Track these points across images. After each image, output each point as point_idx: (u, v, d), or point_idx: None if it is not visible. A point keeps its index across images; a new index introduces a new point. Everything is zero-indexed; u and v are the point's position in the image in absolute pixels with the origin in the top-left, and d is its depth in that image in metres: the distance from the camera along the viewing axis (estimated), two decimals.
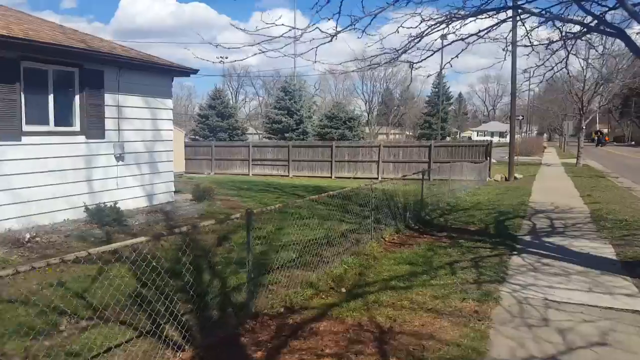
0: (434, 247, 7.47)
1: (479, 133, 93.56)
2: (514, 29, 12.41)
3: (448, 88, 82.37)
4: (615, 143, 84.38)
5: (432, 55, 7.99)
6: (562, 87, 28.02)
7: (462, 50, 7.82)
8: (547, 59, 8.14)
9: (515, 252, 7.05)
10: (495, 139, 69.43)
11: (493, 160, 30.44)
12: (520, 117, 32.43)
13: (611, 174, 22.74)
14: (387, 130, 76.30)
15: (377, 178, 23.02)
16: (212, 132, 33.49)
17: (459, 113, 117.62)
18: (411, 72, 8.65)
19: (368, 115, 75.50)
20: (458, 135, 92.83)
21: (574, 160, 28.93)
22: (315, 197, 7.29)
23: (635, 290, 5.23)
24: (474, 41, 7.26)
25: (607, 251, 7.00)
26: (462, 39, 7.43)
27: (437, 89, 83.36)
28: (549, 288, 5.32)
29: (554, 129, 64.20)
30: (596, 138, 79.74)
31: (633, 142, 77.20)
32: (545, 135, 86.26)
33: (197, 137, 34.43)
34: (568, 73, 8.53)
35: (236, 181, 19.31)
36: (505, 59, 8.00)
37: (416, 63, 8.25)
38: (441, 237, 8.40)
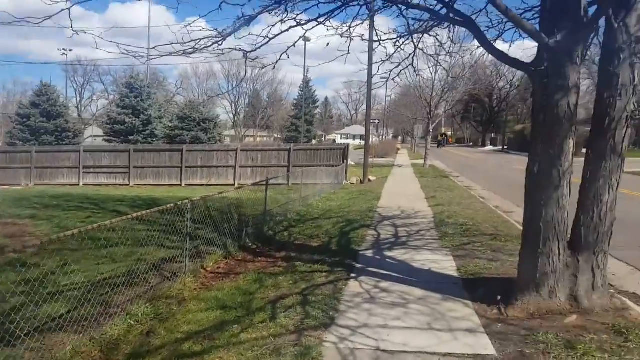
0: (264, 277, 6.11)
1: (343, 136, 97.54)
2: (371, 27, 11.87)
3: (314, 92, 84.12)
4: (457, 144, 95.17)
5: (267, 42, 6.75)
6: (414, 92, 29.63)
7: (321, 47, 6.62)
8: (393, 54, 7.44)
9: (353, 275, 6.04)
10: (357, 142, 72.82)
11: (352, 163, 30.96)
12: (377, 121, 33.68)
13: (453, 174, 24.44)
14: (254, 133, 74.89)
15: (234, 184, 21.39)
16: (34, 135, 28.17)
17: (325, 116, 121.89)
18: (245, 61, 7.35)
19: (234, 117, 73.14)
20: (324, 138, 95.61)
21: (422, 162, 30.79)
22: (135, 215, 5.42)
23: (477, 322, 4.45)
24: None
25: (449, 265, 6.39)
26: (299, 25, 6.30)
27: (303, 92, 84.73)
28: (383, 329, 4.29)
29: (407, 132, 69.49)
30: (442, 140, 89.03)
31: (471, 143, 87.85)
32: (399, 137, 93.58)
33: (15, 141, 28.64)
34: (415, 70, 7.92)
35: (54, 195, 15.90)
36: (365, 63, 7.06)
37: (249, 52, 7.00)
38: (278, 259, 7.12)
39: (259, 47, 6.99)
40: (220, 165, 22.51)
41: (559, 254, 4.47)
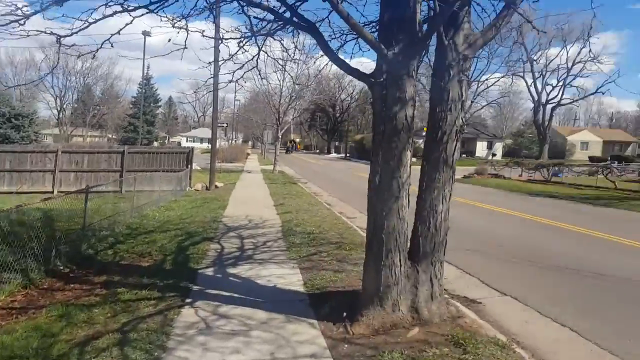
0: (74, 310, 4.92)
1: (189, 139, 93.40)
2: (217, 24, 10.96)
3: (156, 90, 78.65)
4: (305, 151, 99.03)
5: (86, 27, 5.53)
6: (263, 98, 29.47)
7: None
8: (235, 54, 6.81)
9: (188, 301, 5.25)
10: (205, 145, 70.24)
11: (198, 168, 29.39)
12: (225, 125, 32.69)
13: (302, 180, 24.89)
14: (84, 132, 66.62)
15: (53, 192, 18.25)
16: None
17: (169, 117, 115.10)
18: (59, 47, 5.95)
19: (59, 114, 63.94)
20: (167, 141, 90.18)
21: (272, 167, 30.85)
22: None
23: (323, 344, 4.11)
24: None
25: (295, 280, 6.04)
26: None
27: (143, 90, 78.55)
28: None
29: (257, 137, 69.55)
30: (290, 146, 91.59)
31: (318, 150, 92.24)
32: (250, 142, 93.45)
33: None
34: (260, 74, 7.44)
35: None
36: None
37: (63, 37, 5.66)
38: (97, 285, 5.90)
39: (76, 32, 5.76)
40: (35, 170, 19.01)
41: (400, 265, 4.42)
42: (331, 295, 5.34)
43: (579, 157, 57.12)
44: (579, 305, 5.68)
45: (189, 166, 19.95)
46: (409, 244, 4.60)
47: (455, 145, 4.51)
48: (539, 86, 52.49)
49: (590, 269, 7.24)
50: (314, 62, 26.41)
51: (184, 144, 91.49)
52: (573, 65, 50.21)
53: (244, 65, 6.90)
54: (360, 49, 8.17)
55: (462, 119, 4.51)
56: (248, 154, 55.46)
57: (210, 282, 5.99)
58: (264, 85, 26.79)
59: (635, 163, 38.90)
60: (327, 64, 27.61)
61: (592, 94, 58.48)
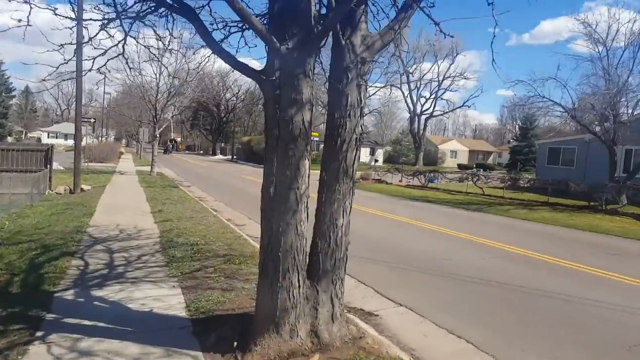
0: None
1: (51, 135, 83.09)
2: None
3: (8, 78, 68.62)
4: (187, 151, 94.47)
5: None
6: (137, 92, 27.02)
7: None
8: (95, 36, 5.72)
9: (40, 334, 4.21)
10: (70, 142, 62.86)
11: (61, 168, 25.92)
12: (93, 120, 29.34)
13: (184, 183, 23.31)
14: None
15: None
16: None
17: (26, 109, 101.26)
18: None
19: None
20: (24, 136, 79.20)
21: (149, 168, 28.51)
22: None
23: None
24: None
25: (176, 302, 5.25)
26: None
27: None
28: None
29: (131, 135, 64.30)
30: (170, 146, 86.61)
31: (202, 151, 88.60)
32: (123, 140, 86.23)
33: None
34: (127, 62, 6.36)
35: None
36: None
37: None
38: None
39: None
40: None
41: (299, 286, 3.97)
42: (219, 320, 4.69)
43: (449, 164, 63.41)
44: (469, 313, 5.83)
45: (49, 166, 17.36)
46: (306, 261, 4.18)
47: (356, 154, 4.23)
48: (414, 97, 57.12)
49: (474, 274, 7.62)
50: (193, 55, 24.86)
51: (45, 140, 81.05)
52: (443, 79, 55.58)
53: (106, 51, 5.78)
54: (246, 43, 7.34)
55: (361, 126, 4.26)
56: (121, 153, 50.94)
57: (69, 308, 4.93)
58: (137, 77, 24.62)
59: (497, 170, 44.17)
60: (208, 58, 26.47)
61: (459, 107, 65.24)
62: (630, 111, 19.89)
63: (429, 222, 13.32)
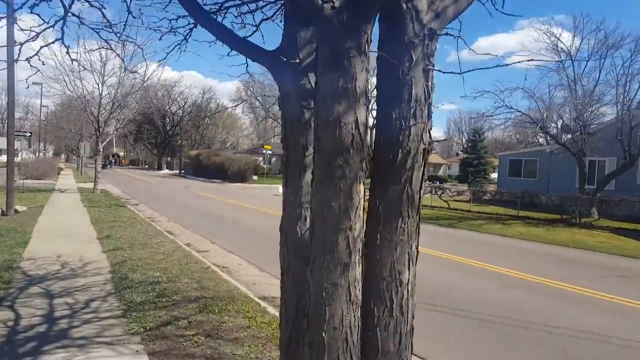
0: None
1: None
2: None
3: None
4: (130, 166, 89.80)
5: None
6: (77, 104, 24.78)
7: None
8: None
9: None
10: (4, 158, 57.69)
11: None
12: (29, 134, 26.66)
13: (131, 201, 21.39)
14: None
15: None
16: None
17: None
18: None
19: None
20: None
21: (92, 185, 26.18)
22: None
23: None
24: None
25: None
26: None
27: None
28: None
29: (71, 149, 60.02)
30: (112, 160, 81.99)
31: (147, 166, 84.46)
32: (63, 155, 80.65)
33: None
34: (67, 50, 5.04)
35: None
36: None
37: None
38: None
39: None
40: None
41: None
42: None
43: None
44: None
45: None
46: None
47: (423, 173, 2.78)
48: None
49: (497, 311, 6.84)
50: (138, 65, 23.14)
51: None
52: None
53: (38, 35, 4.41)
54: (258, 8, 5.32)
55: (429, 131, 2.77)
56: (61, 169, 47.27)
57: None
58: (78, 88, 22.53)
59: (449, 182, 44.70)
60: (155, 72, 24.89)
61: None
62: (594, 122, 20.36)
63: None
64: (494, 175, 65.27)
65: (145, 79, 24.35)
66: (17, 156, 37.48)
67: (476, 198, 23.93)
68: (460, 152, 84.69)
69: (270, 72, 3.08)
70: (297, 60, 2.84)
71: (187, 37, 4.61)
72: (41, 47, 4.04)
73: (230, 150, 63.79)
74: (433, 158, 79.79)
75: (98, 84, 22.86)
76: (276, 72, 2.99)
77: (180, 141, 67.77)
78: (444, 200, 22.77)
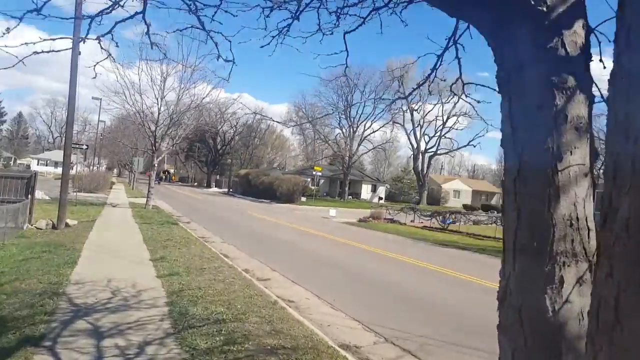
0: None
1: (41, 162, 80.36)
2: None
3: (0, 102, 66.75)
4: (180, 183, 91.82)
5: None
6: (135, 118, 24.87)
7: None
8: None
9: None
10: (60, 170, 60.20)
11: (46, 198, 23.36)
12: (85, 147, 27.04)
13: (183, 219, 20.81)
14: None
15: None
16: None
17: (17, 136, 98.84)
18: None
19: None
20: (13, 162, 76.42)
21: (143, 200, 26.05)
22: None
23: None
24: None
25: None
26: None
27: None
28: None
29: (124, 164, 61.82)
30: (164, 176, 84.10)
31: (196, 183, 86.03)
32: (115, 170, 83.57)
33: None
34: (147, 29, 4.12)
35: None
36: None
37: None
38: None
39: None
40: None
41: None
42: None
43: (452, 203, 61.28)
44: None
45: (30, 196, 14.89)
46: None
47: None
48: (418, 135, 55.65)
49: None
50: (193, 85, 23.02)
51: (35, 167, 78.29)
52: (448, 118, 54.27)
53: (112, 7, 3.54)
54: None
55: None
56: (113, 183, 48.37)
57: None
58: (137, 102, 22.53)
59: None
60: (205, 96, 24.65)
61: (465, 145, 64.03)
62: None
63: (474, 275, 10.94)
64: None
65: (204, 95, 24.18)
66: (72, 169, 38.61)
67: None
68: None
69: (483, 33, 1.85)
70: (544, 8, 1.61)
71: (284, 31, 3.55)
72: (116, 23, 3.09)
73: (279, 171, 63.62)
74: (484, 186, 76.07)
75: (157, 99, 22.78)
76: (496, 32, 1.77)
77: (231, 160, 68.44)
78: None
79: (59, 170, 63.58)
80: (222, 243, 14.06)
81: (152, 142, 23.75)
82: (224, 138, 79.38)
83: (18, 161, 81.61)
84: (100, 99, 34.31)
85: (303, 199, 44.68)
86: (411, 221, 27.53)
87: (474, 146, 64.46)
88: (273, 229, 19.54)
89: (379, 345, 5.49)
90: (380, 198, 59.24)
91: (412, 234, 21.22)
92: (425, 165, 55.54)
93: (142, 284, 7.27)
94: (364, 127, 57.12)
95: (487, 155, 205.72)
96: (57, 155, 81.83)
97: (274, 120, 59.64)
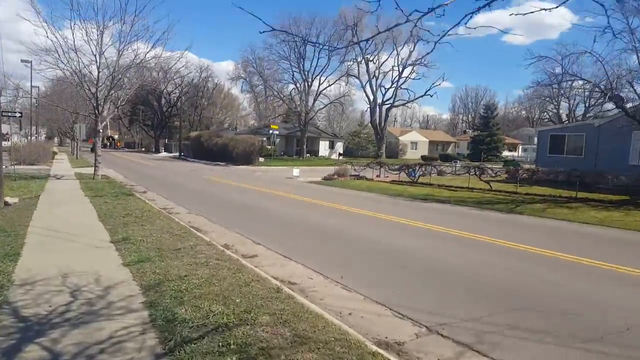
0: None
1: None
2: None
3: None
4: (127, 149, 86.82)
5: None
6: (73, 79, 21.96)
7: None
8: None
9: None
10: None
11: None
12: (19, 114, 23.88)
13: (137, 188, 18.98)
14: None
15: None
16: None
17: None
18: None
19: None
20: None
21: (90, 170, 23.76)
22: None
23: None
24: None
25: None
26: None
27: None
28: None
29: (65, 132, 57.04)
30: (107, 144, 79.07)
31: (144, 149, 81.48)
32: (56, 139, 77.54)
33: None
34: None
35: None
36: None
37: None
38: None
39: None
40: None
41: None
42: None
43: (410, 156, 61.57)
44: None
45: None
46: None
47: None
48: (374, 87, 54.46)
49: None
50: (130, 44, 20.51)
51: None
52: (404, 68, 53.32)
53: None
54: None
55: None
56: (55, 153, 44.59)
57: None
58: (73, 60, 19.71)
59: (461, 161, 42.30)
60: (149, 50, 22.16)
61: (421, 96, 63.80)
62: None
63: (478, 233, 10.33)
64: (506, 153, 63.09)
65: (147, 49, 21.62)
66: (8, 140, 34.80)
67: (513, 178, 21.64)
68: (468, 130, 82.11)
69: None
70: None
71: None
72: None
73: (232, 132, 61.02)
74: (440, 136, 77.10)
75: (95, 56, 20.11)
76: None
77: (180, 122, 64.76)
78: (485, 181, 20.43)
79: None
80: (189, 214, 12.63)
81: (94, 105, 21.22)
82: (169, 99, 74.82)
83: None
84: (31, 62, 30.52)
85: (261, 159, 43.04)
86: (377, 176, 26.91)
87: (431, 96, 64.36)
88: (239, 194, 18.19)
89: (424, 338, 4.49)
90: (340, 154, 58.47)
91: (384, 189, 20.51)
92: (383, 118, 54.71)
93: (107, 277, 5.90)
94: (319, 81, 55.25)
95: (437, 106, 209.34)
96: None
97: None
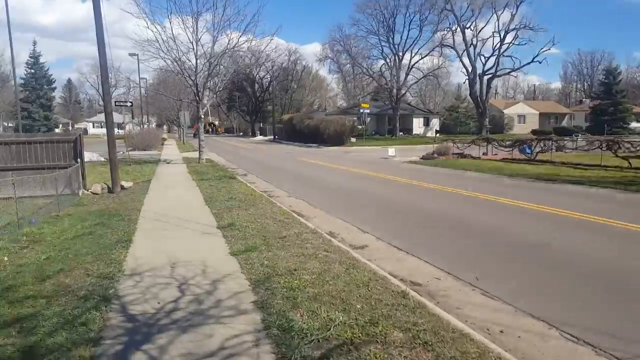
0: None
1: (96, 124, 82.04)
2: None
3: (47, 70, 67.41)
4: (226, 134, 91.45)
5: None
6: (174, 65, 22.84)
7: None
8: None
9: None
10: (116, 131, 60.63)
11: (101, 159, 22.52)
12: (129, 103, 25.69)
13: (238, 171, 19.31)
14: None
15: None
16: None
17: (70, 102, 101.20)
18: None
19: None
20: (71, 127, 78.55)
21: (195, 154, 24.86)
22: None
23: None
24: None
25: None
26: None
27: (33, 70, 67.08)
28: None
29: (172, 120, 61.35)
30: (209, 130, 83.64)
31: (241, 133, 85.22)
32: (165, 126, 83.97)
33: None
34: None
35: None
36: None
37: None
38: None
39: None
40: None
41: None
42: None
43: (518, 130, 56.57)
44: None
45: (79, 160, 13.56)
46: None
47: None
48: (472, 57, 50.39)
49: None
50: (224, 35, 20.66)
51: (92, 130, 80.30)
52: (506, 33, 48.58)
53: None
54: None
55: None
56: (164, 140, 48.03)
57: None
58: (172, 49, 20.41)
59: (584, 135, 37.59)
60: (241, 34, 22.15)
61: (529, 63, 57.97)
62: None
63: None
64: (634, 125, 55.09)
65: (239, 35, 21.67)
66: (124, 128, 37.99)
67: None
68: (584, 99, 73.26)
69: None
70: None
71: None
72: None
73: (322, 113, 60.91)
74: (552, 107, 69.54)
75: (192, 43, 20.61)
76: None
77: (273, 106, 66.23)
78: (622, 157, 17.42)
79: (115, 131, 64.16)
80: (289, 197, 12.27)
81: (195, 91, 21.94)
82: (261, 84, 76.82)
83: (76, 125, 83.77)
84: (137, 55, 32.70)
85: (352, 139, 42.22)
86: (483, 154, 24.71)
87: (540, 62, 58.03)
88: (334, 175, 17.58)
89: None
90: (437, 131, 55.55)
91: (497, 169, 18.50)
92: (484, 90, 50.49)
93: (215, 269, 5.51)
94: (411, 54, 52.53)
95: (543, 75, 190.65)
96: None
97: None
